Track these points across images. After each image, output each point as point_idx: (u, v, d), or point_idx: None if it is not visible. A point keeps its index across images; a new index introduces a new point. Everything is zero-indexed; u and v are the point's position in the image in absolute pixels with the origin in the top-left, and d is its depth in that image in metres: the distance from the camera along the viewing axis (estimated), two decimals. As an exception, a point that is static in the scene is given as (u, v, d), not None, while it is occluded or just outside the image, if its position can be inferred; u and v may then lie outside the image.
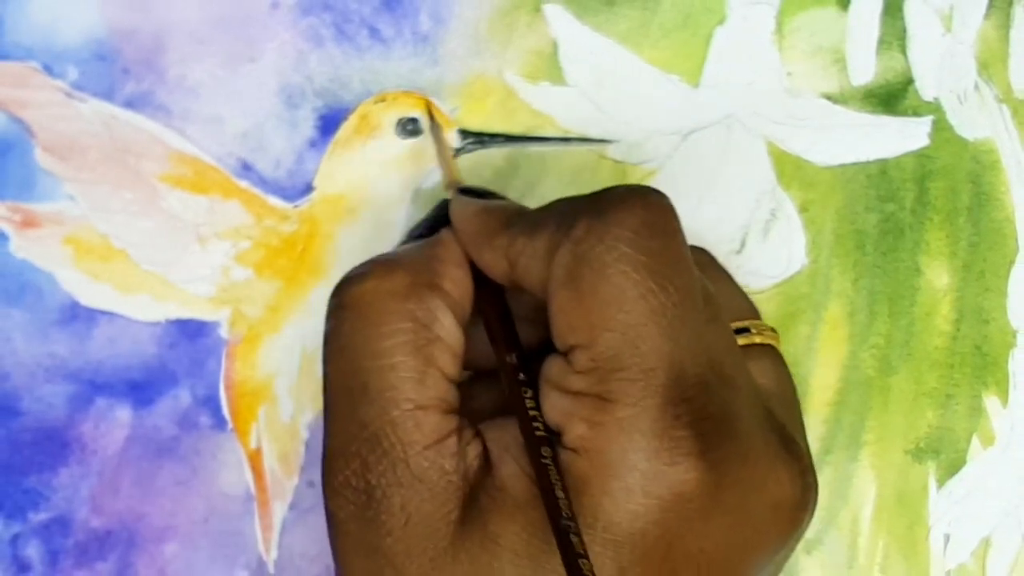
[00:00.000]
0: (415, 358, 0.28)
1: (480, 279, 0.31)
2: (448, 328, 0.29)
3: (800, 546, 0.38)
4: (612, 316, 0.27)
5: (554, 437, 0.28)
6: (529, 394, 0.28)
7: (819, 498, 0.38)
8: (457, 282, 0.30)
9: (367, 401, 0.28)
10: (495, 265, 0.30)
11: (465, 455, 0.28)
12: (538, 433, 0.27)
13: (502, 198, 0.34)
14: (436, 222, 0.34)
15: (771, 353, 0.34)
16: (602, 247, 0.27)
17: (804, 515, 0.30)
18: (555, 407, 0.28)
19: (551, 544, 0.26)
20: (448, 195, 0.35)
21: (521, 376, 0.29)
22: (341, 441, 0.28)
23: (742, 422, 0.28)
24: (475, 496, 0.28)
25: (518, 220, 0.30)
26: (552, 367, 0.28)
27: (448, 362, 0.29)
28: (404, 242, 0.34)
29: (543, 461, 0.27)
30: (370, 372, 0.28)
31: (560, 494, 0.26)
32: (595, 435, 0.26)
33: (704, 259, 0.36)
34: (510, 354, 0.30)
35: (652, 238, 0.28)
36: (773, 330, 0.35)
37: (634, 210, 0.28)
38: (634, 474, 0.26)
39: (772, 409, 0.31)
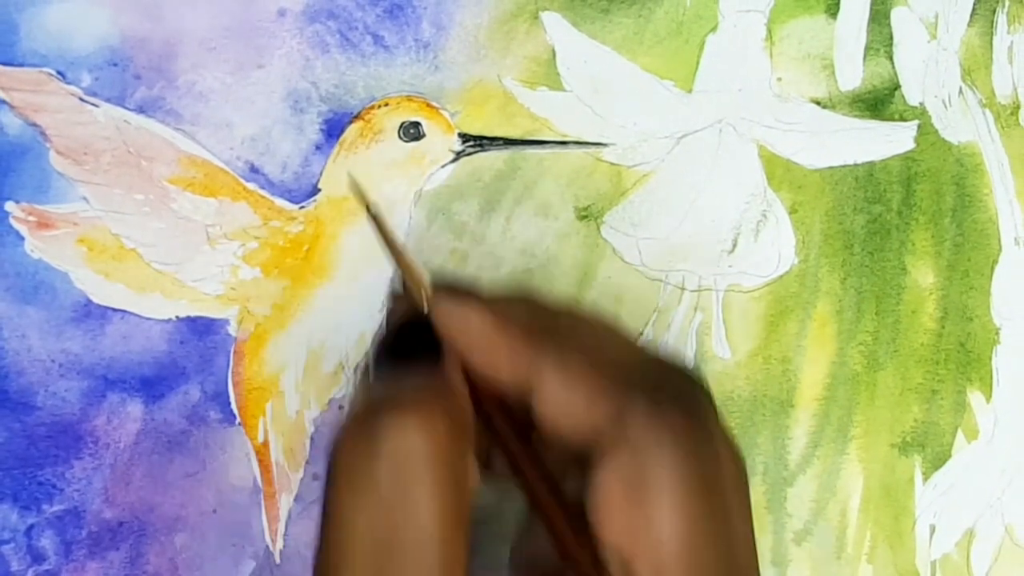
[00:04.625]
0: (451, 519, 0.27)
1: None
2: (474, 481, 0.28)
3: (790, 537, 0.39)
4: (681, 542, 0.27)
5: None
6: None
7: (808, 490, 0.39)
8: (474, 429, 0.29)
9: (400, 564, 0.26)
10: (510, 381, 0.28)
11: None
12: None
13: (467, 283, 0.30)
14: (403, 337, 0.30)
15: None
16: (665, 470, 0.27)
17: None
18: None
19: None
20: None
21: None
22: None
23: None
24: None
25: (541, 336, 0.28)
26: None
27: (468, 518, 0.28)
28: (377, 356, 0.30)
29: None
30: (406, 531, 0.26)
31: None
32: None
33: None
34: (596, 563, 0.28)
35: (706, 459, 0.27)
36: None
37: (689, 423, 0.27)
38: None
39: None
